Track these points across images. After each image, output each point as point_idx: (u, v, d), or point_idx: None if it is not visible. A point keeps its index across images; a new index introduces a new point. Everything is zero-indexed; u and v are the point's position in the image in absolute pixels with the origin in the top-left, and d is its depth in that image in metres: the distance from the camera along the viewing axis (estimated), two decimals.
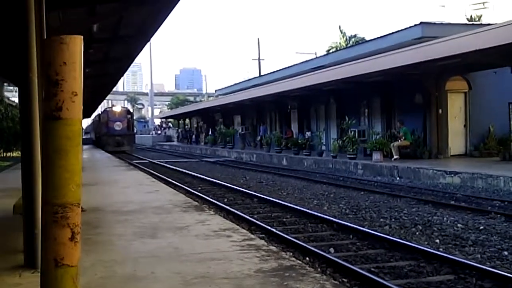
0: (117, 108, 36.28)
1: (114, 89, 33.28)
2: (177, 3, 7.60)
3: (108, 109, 36.15)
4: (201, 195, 10.66)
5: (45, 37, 4.30)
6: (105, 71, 15.39)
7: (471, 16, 34.05)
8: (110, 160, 21.52)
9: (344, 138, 17.75)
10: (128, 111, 36.73)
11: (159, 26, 9.34)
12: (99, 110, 43.34)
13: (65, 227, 1.72)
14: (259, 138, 27.77)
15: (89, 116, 48.70)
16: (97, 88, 20.02)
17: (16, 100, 24.97)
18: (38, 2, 4.09)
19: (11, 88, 33.98)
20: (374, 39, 19.67)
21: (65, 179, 1.74)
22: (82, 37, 1.78)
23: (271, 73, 30.77)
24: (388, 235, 6.51)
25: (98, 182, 11.01)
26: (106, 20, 8.71)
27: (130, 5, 7.84)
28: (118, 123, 33.31)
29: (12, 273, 3.77)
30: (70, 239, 1.73)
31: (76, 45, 1.75)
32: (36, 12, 3.97)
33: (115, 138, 32.67)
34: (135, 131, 40.67)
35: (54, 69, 1.71)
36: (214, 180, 13.80)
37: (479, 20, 31.14)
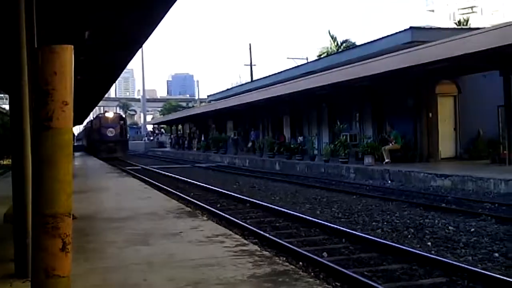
0: (110, 114, 35.56)
1: (106, 95, 33.01)
2: (168, 10, 7.61)
3: (100, 115, 35.38)
4: (194, 201, 10.63)
5: (36, 44, 4.28)
6: (96, 78, 15.32)
7: (459, 21, 34.48)
8: (102, 167, 21.39)
9: (336, 143, 17.83)
10: (121, 117, 36.05)
11: (151, 32, 9.33)
12: (91, 117, 42.96)
13: (56, 237, 1.71)
14: (250, 143, 27.79)
15: (81, 123, 48.35)
16: (89, 95, 19.91)
17: (7, 107, 24.76)
18: (29, 9, 4.08)
19: (2, 95, 33.68)
20: (365, 44, 19.82)
21: (56, 189, 1.72)
22: (72, 46, 1.77)
23: (263, 78, 30.85)
24: (381, 238, 6.54)
25: (90, 189, 10.94)
26: (97, 27, 8.70)
27: (122, 12, 7.84)
28: (111, 129, 32.74)
29: (2, 282, 3.74)
30: (61, 249, 1.71)
31: (66, 55, 1.74)
32: (27, 19, 3.96)
33: (108, 145, 32.06)
34: (128, 137, 40.37)
35: (45, 79, 1.71)
36: (207, 186, 13.77)
37: (466, 24, 31.52)
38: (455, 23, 33.75)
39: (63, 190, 1.73)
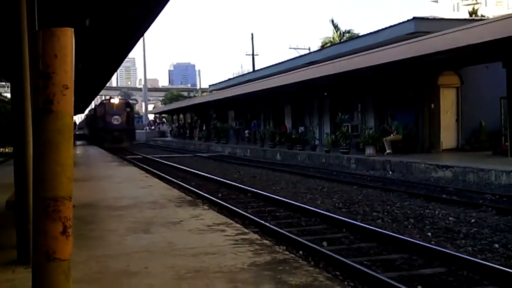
0: (115, 100, 32.12)
1: (108, 84, 32.46)
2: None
3: (105, 102, 32.06)
4: (194, 190, 10.66)
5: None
6: (98, 66, 15.28)
7: (473, 10, 34.35)
8: (103, 155, 21.43)
9: (337, 133, 17.82)
10: (127, 104, 32.56)
11: (153, 20, 9.28)
12: (93, 105, 42.42)
13: (57, 220, 1.71)
14: (251, 132, 27.76)
15: (82, 112, 48.20)
16: (90, 83, 19.88)
17: (9, 95, 24.76)
18: None
19: (3, 83, 33.62)
20: (367, 34, 19.70)
21: (57, 172, 1.73)
22: (72, 29, 1.76)
23: (265, 68, 30.74)
24: (381, 228, 6.56)
25: (91, 177, 10.97)
26: (99, 14, 8.65)
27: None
28: (116, 117, 29.82)
29: (5, 268, 3.76)
30: (62, 233, 1.72)
31: (67, 37, 1.73)
32: (28, 6, 3.94)
33: (113, 134, 29.17)
34: (135, 125, 37.17)
35: (45, 62, 1.70)
36: (208, 175, 13.80)
37: (476, 14, 31.42)
38: (469, 12, 33.62)
39: (64, 174, 1.73)
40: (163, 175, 13.78)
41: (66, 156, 1.74)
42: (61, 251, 1.73)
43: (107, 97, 33.67)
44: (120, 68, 19.68)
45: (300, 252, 5.52)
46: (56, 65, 1.70)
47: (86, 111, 46.87)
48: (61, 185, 1.73)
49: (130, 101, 35.07)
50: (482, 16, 28.70)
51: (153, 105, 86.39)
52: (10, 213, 4.61)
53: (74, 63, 1.77)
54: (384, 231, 6.28)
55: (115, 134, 29.35)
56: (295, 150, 20.27)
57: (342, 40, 31.74)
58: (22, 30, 3.78)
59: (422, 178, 12.25)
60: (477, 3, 57.84)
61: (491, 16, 19.94)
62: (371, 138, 16.16)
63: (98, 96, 42.11)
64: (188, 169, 16.05)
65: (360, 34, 30.76)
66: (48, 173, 1.73)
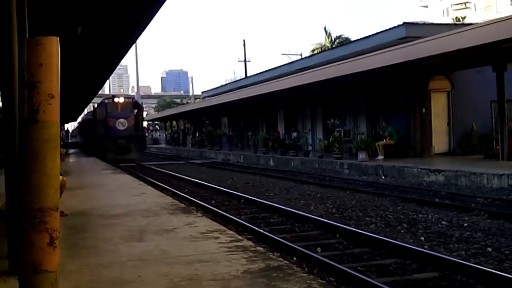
0: (120, 99, 24.32)
1: (100, 92, 31.55)
2: (161, 6, 7.59)
3: (107, 101, 24.29)
4: (188, 197, 10.62)
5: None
6: (90, 74, 15.25)
7: (456, 17, 34.72)
8: (96, 163, 21.30)
9: (330, 138, 17.87)
10: (135, 104, 25.25)
11: (145, 28, 9.31)
12: (85, 111, 41.49)
13: (43, 232, 1.69)
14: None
15: (74, 120, 47.69)
16: (82, 91, 19.82)
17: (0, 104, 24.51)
18: (20, 3, 4.05)
19: None
20: (359, 39, 19.83)
21: (43, 183, 1.70)
22: (58, 38, 1.74)
23: (257, 74, 30.81)
24: (374, 233, 6.57)
25: (84, 186, 10.90)
26: (90, 22, 8.65)
27: (114, 7, 7.80)
28: (121, 120, 23.14)
29: None
30: (49, 244, 1.70)
31: (52, 46, 1.71)
32: (18, 15, 3.93)
33: (117, 142, 22.80)
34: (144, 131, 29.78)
35: (30, 71, 1.68)
36: (201, 182, 13.75)
37: (463, 20, 31.76)
38: (452, 19, 34.01)
39: (50, 184, 1.71)
40: (156, 182, 13.71)
41: (53, 166, 1.71)
42: (48, 263, 1.70)
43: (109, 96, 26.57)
44: (112, 75, 19.51)
45: (294, 258, 5.51)
46: (41, 74, 1.68)
47: (79, 118, 46.13)
48: (48, 196, 1.70)
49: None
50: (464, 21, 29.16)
51: (146, 112, 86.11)
52: (2, 224, 4.57)
53: (60, 72, 1.75)
54: (377, 236, 6.29)
55: (120, 142, 22.98)
56: (288, 156, 20.29)
57: (333, 46, 31.93)
58: (12, 39, 3.76)
59: (415, 182, 12.29)
60: (466, 8, 58.49)
61: (479, 21, 20.18)
62: (363, 143, 16.23)
63: (91, 104, 41.56)
64: (181, 176, 16.00)
65: (351, 39, 30.98)
66: (34, 184, 1.70)
